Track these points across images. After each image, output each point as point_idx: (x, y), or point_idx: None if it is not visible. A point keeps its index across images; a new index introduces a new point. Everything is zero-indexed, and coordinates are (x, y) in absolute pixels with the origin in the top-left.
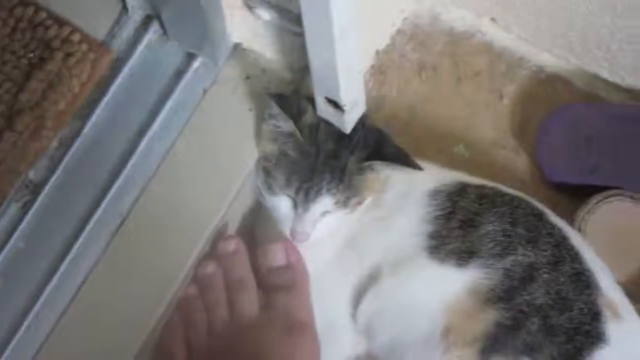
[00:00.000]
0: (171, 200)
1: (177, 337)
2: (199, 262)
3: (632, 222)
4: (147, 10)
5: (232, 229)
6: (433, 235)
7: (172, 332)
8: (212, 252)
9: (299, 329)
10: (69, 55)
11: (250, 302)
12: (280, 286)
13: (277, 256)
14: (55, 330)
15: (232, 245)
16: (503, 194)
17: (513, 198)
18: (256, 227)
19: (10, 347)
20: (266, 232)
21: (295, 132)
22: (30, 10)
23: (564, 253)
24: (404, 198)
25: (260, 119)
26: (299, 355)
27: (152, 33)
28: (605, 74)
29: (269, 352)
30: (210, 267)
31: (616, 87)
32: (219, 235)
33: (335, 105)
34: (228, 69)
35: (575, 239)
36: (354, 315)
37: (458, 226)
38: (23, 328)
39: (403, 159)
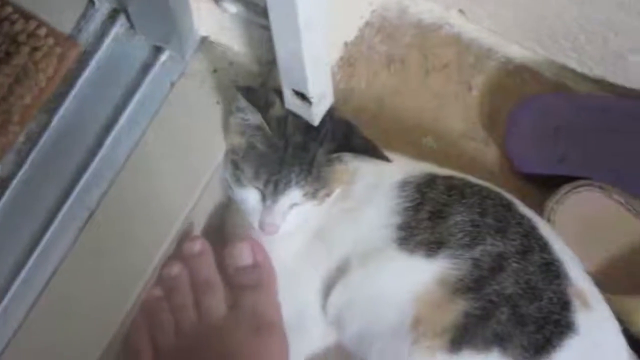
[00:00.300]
0: (139, 193)
1: (142, 336)
2: (164, 262)
3: (601, 212)
4: (114, 3)
5: (200, 223)
6: (402, 227)
7: (137, 331)
8: (177, 253)
9: (266, 328)
10: (35, 49)
11: (217, 302)
12: (247, 285)
13: (243, 255)
14: (24, 324)
15: (198, 246)
16: (472, 185)
17: (482, 189)
18: (225, 221)
19: None
20: (235, 226)
21: (263, 125)
22: None
23: (533, 243)
24: (372, 190)
25: (228, 112)
26: (267, 354)
27: (119, 26)
28: (573, 65)
29: (237, 352)
30: (176, 268)
31: (584, 77)
32: (185, 235)
33: (303, 97)
34: (195, 62)
35: (544, 229)
36: (323, 307)
37: (427, 217)
38: None
39: (371, 151)
